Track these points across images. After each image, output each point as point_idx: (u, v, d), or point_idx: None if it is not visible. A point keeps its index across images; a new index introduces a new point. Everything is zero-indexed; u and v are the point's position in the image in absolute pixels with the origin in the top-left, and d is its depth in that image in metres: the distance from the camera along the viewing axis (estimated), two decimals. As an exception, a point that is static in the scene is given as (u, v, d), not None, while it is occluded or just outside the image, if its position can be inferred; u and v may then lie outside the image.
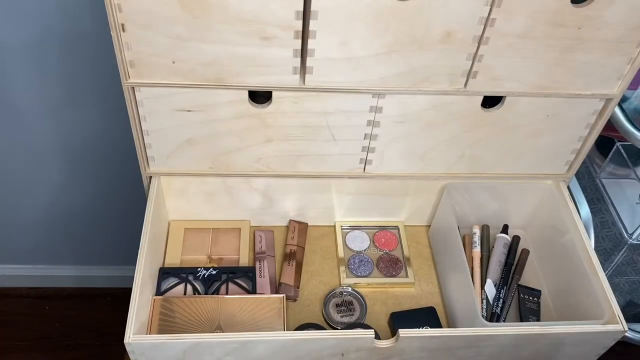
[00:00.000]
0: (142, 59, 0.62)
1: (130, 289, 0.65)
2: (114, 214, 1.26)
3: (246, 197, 0.83)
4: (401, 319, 0.77)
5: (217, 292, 0.77)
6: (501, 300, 0.79)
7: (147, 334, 0.69)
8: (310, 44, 0.62)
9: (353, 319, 0.78)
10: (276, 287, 0.80)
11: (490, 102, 0.72)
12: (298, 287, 0.81)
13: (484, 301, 0.78)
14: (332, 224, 0.90)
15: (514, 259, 0.84)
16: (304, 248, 0.86)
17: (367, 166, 0.78)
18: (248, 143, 0.73)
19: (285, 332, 0.71)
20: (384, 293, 0.82)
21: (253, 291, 0.78)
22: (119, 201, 1.22)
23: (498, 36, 0.63)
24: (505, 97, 0.71)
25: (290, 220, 0.88)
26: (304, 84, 0.66)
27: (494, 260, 0.83)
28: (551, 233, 0.81)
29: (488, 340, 0.66)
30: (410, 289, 0.83)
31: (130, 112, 0.68)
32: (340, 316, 0.78)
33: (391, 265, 0.85)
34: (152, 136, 0.72)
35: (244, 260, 0.82)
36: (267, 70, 0.64)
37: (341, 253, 0.86)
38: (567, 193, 0.80)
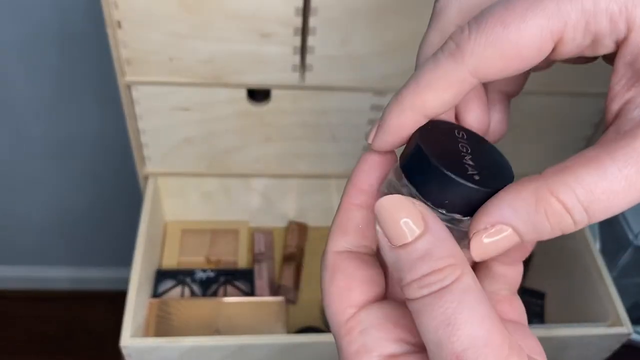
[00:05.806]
0: (138, 56, 0.61)
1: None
2: (110, 215, 1.25)
3: (245, 197, 0.82)
4: None
5: (215, 294, 0.76)
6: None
7: (143, 336, 0.68)
8: (310, 40, 0.60)
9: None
10: (275, 290, 0.79)
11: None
12: (297, 290, 0.80)
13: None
14: (332, 225, 0.88)
15: (517, 260, 0.83)
16: (303, 250, 0.85)
17: (367, 166, 0.77)
18: (246, 142, 0.72)
19: (285, 335, 0.70)
20: (385, 295, 0.81)
21: (251, 294, 0.77)
22: (115, 202, 1.20)
23: (502, 33, 0.62)
24: (508, 95, 0.69)
25: (289, 221, 0.87)
26: (303, 82, 0.65)
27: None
28: (555, 234, 0.80)
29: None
30: (412, 291, 0.82)
31: (126, 110, 0.67)
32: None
33: (392, 267, 0.84)
34: (149, 135, 0.70)
35: (243, 262, 0.81)
36: (266, 68, 0.63)
37: (341, 255, 0.85)
38: (571, 193, 0.79)
